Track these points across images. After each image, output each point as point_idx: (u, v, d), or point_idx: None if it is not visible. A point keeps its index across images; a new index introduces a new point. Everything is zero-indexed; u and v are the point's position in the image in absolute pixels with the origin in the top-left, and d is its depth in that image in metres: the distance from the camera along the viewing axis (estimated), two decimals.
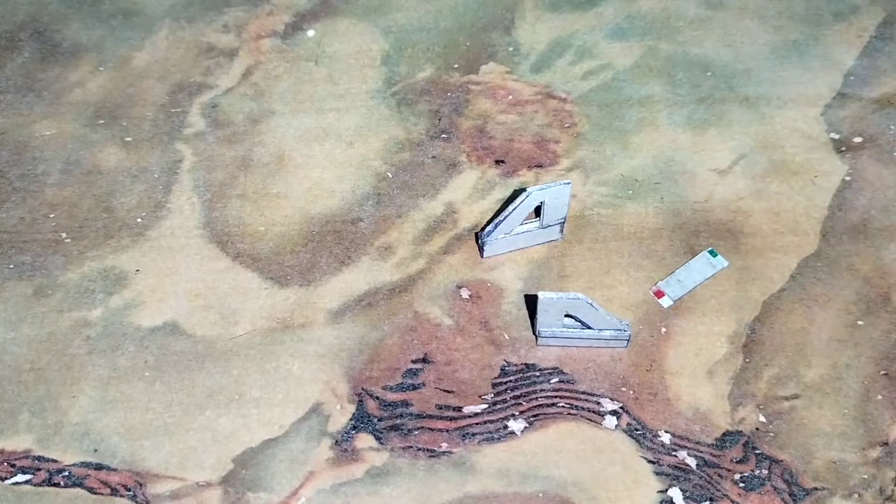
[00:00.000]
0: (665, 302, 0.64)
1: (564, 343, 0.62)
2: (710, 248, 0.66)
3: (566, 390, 0.61)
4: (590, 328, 0.61)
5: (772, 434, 0.59)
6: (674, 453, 0.58)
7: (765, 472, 0.57)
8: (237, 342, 0.64)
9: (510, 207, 0.65)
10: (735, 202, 0.70)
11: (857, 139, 0.74)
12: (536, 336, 0.62)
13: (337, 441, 0.59)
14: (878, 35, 0.81)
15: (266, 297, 0.66)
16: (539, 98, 0.78)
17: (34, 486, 0.58)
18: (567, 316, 0.61)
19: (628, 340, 0.61)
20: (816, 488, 0.56)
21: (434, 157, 0.74)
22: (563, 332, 0.61)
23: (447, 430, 0.59)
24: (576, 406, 0.60)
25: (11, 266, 0.68)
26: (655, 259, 0.67)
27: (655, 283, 0.65)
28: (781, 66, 0.79)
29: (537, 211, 0.66)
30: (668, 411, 0.60)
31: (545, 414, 0.60)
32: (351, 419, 0.60)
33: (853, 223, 0.69)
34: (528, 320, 0.64)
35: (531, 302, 0.64)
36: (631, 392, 0.60)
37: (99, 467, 0.58)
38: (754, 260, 0.67)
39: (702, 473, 0.57)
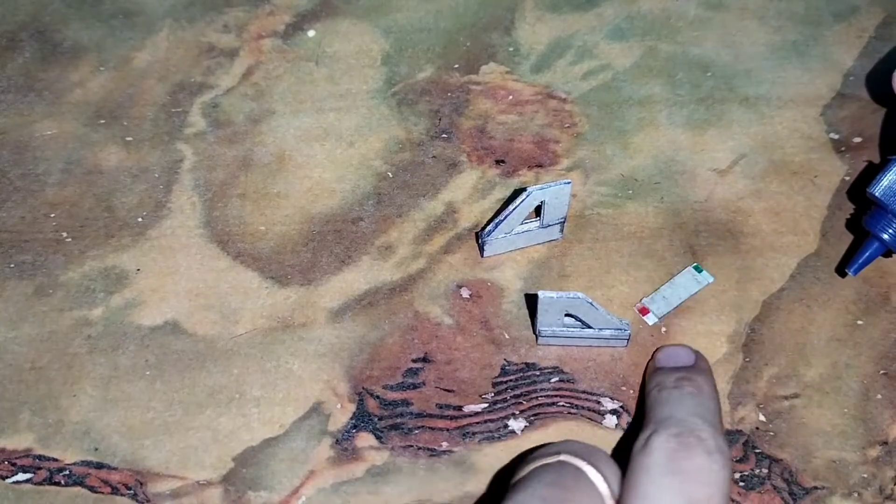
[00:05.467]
0: (650, 319, 0.64)
1: (564, 342, 0.62)
2: (695, 265, 0.66)
3: (566, 389, 0.61)
4: (590, 327, 0.61)
5: (771, 433, 0.59)
6: None
7: (764, 471, 0.57)
8: (238, 341, 0.64)
9: (510, 207, 0.65)
10: (735, 202, 0.70)
11: (857, 139, 0.74)
12: (536, 335, 0.62)
13: (337, 440, 0.59)
14: (878, 36, 0.82)
15: (267, 297, 0.66)
16: (539, 98, 0.78)
17: (35, 484, 0.58)
18: (567, 315, 0.61)
19: (628, 339, 0.61)
20: (816, 487, 0.56)
21: (434, 156, 0.74)
22: (563, 332, 0.61)
23: (447, 430, 0.60)
24: (576, 405, 0.60)
25: (12, 265, 0.69)
26: (655, 259, 0.67)
27: (640, 300, 0.65)
28: (781, 67, 0.80)
29: (537, 210, 0.66)
30: None
31: (545, 413, 0.60)
32: (351, 418, 0.60)
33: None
34: (529, 319, 0.64)
35: (531, 301, 0.65)
36: (631, 391, 0.61)
37: (100, 466, 0.59)
38: (754, 260, 0.67)
39: None
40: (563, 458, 0.50)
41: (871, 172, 0.64)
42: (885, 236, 0.62)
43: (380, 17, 0.86)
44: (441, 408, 0.61)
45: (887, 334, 0.63)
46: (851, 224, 0.68)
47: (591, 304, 0.59)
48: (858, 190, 0.70)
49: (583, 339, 0.62)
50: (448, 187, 0.72)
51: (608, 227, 0.69)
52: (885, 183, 0.63)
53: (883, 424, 0.59)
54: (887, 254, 0.64)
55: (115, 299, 0.66)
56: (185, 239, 0.70)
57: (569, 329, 0.61)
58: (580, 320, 0.61)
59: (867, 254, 0.63)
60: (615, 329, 0.61)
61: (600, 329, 0.61)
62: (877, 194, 0.63)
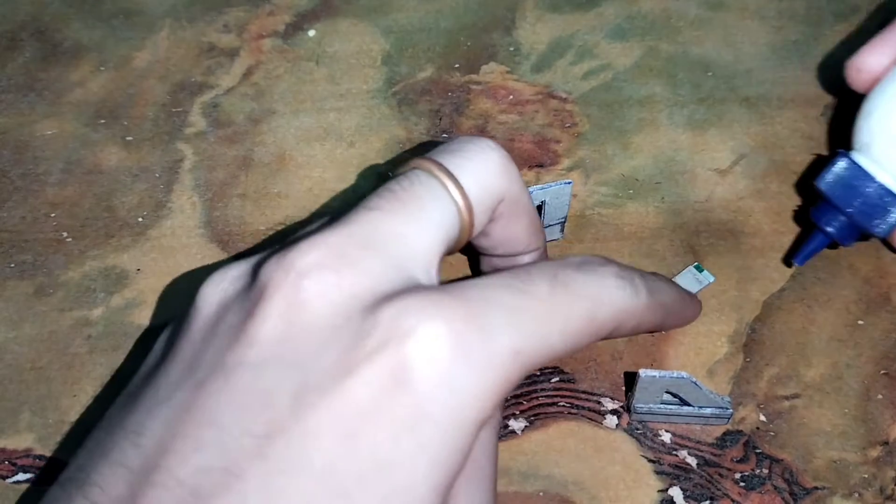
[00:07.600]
0: None
1: (661, 419, 0.59)
2: (695, 264, 0.66)
3: (567, 390, 0.61)
4: (689, 405, 0.57)
5: (772, 433, 0.59)
6: (674, 452, 0.58)
7: (765, 471, 0.57)
8: None
9: None
10: (736, 202, 0.70)
11: None
12: (631, 411, 0.59)
13: None
14: None
15: None
16: (540, 98, 0.78)
17: (35, 485, 0.58)
18: (667, 392, 0.58)
19: (729, 419, 0.58)
20: (817, 487, 0.56)
21: None
22: (660, 409, 0.58)
23: None
24: (576, 405, 0.60)
25: (12, 265, 0.69)
26: (656, 259, 0.67)
27: None
28: (782, 67, 0.80)
29: (538, 210, 0.66)
30: None
31: (546, 413, 0.60)
32: None
33: None
34: None
35: (627, 378, 0.61)
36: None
37: None
38: (755, 260, 0.67)
39: (702, 473, 0.57)
40: (414, 163, 0.46)
41: (821, 165, 0.65)
42: (830, 229, 0.63)
43: (380, 16, 0.86)
44: None
45: (888, 334, 0.63)
46: (798, 216, 0.68)
47: (695, 383, 0.55)
48: (808, 182, 0.70)
49: (680, 417, 0.58)
50: None
51: (609, 226, 0.69)
52: (830, 178, 0.63)
53: (884, 425, 0.59)
54: (832, 245, 0.64)
55: (115, 299, 0.66)
56: (185, 239, 0.70)
57: (666, 406, 0.58)
58: (680, 398, 0.57)
59: (812, 246, 0.64)
60: (717, 408, 0.57)
61: (700, 407, 0.57)
62: (822, 188, 0.63)
